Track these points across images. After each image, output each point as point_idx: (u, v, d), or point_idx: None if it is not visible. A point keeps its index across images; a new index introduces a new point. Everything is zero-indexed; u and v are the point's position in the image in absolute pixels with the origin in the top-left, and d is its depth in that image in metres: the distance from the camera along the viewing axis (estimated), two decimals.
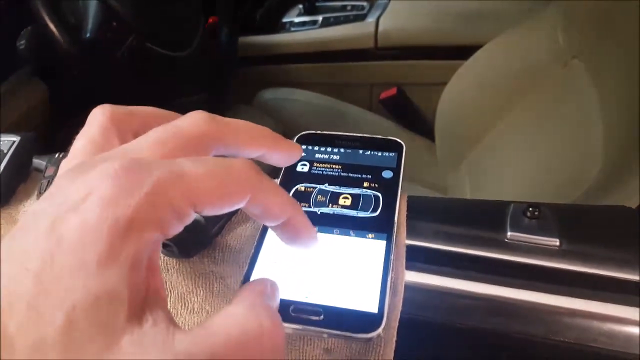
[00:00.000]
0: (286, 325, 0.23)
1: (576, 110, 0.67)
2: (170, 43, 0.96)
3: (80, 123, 0.21)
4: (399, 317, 0.25)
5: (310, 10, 1.32)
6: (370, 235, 0.27)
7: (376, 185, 0.29)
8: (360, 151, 0.32)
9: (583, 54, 0.69)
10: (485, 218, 0.31)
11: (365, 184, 0.30)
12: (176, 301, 0.30)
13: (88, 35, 0.84)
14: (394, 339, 0.25)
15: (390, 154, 0.31)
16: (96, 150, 0.20)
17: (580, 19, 0.73)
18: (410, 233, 0.29)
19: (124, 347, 0.14)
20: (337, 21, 1.26)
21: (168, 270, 0.31)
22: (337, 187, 0.30)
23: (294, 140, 0.32)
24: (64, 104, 0.87)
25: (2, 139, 0.35)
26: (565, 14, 0.76)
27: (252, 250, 0.27)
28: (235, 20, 1.22)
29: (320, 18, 1.29)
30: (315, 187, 0.30)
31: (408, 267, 0.27)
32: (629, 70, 0.57)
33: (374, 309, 0.23)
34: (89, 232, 0.15)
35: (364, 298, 0.24)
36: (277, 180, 0.30)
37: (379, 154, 0.31)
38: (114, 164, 0.16)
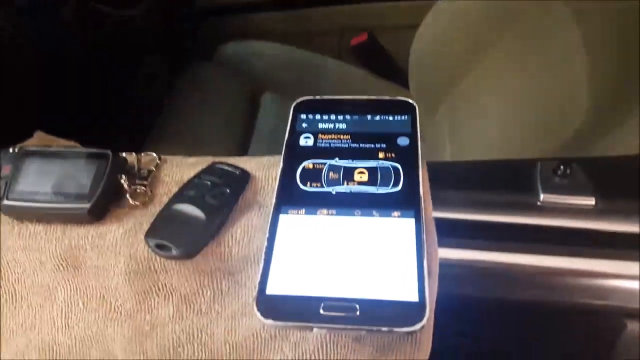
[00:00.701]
0: (317, 327, 0.21)
1: (559, 49, 0.66)
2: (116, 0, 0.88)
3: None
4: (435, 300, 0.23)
5: None
6: (395, 214, 0.24)
7: (393, 155, 0.26)
8: (369, 117, 0.28)
9: None
10: (513, 181, 0.29)
11: (381, 155, 0.26)
12: (180, 303, 0.27)
13: None
14: (432, 322, 0.22)
15: (403, 117, 0.28)
16: None
17: None
18: (434, 204, 0.26)
19: None
20: None
21: (167, 272, 0.27)
22: (350, 160, 0.26)
23: (291, 110, 0.28)
24: None
25: None
26: None
27: (265, 243, 0.23)
28: None
29: None
30: (324, 163, 0.26)
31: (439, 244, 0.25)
32: (612, 8, 0.56)
33: (413, 297, 0.21)
34: None
35: (400, 285, 0.21)
36: (281, 157, 0.27)
37: (390, 118, 0.28)
38: None
